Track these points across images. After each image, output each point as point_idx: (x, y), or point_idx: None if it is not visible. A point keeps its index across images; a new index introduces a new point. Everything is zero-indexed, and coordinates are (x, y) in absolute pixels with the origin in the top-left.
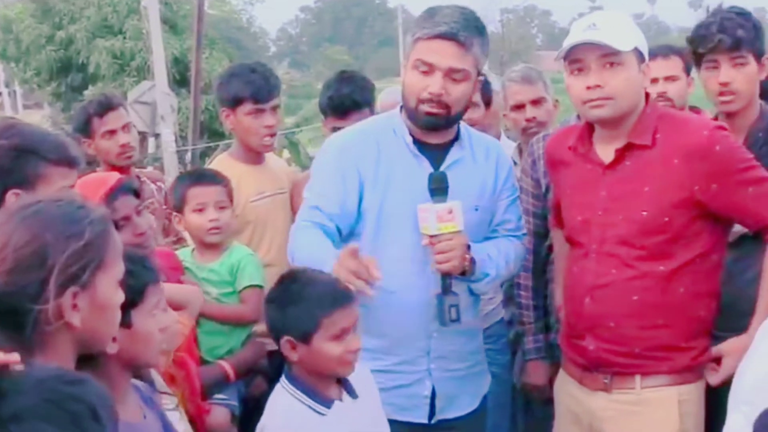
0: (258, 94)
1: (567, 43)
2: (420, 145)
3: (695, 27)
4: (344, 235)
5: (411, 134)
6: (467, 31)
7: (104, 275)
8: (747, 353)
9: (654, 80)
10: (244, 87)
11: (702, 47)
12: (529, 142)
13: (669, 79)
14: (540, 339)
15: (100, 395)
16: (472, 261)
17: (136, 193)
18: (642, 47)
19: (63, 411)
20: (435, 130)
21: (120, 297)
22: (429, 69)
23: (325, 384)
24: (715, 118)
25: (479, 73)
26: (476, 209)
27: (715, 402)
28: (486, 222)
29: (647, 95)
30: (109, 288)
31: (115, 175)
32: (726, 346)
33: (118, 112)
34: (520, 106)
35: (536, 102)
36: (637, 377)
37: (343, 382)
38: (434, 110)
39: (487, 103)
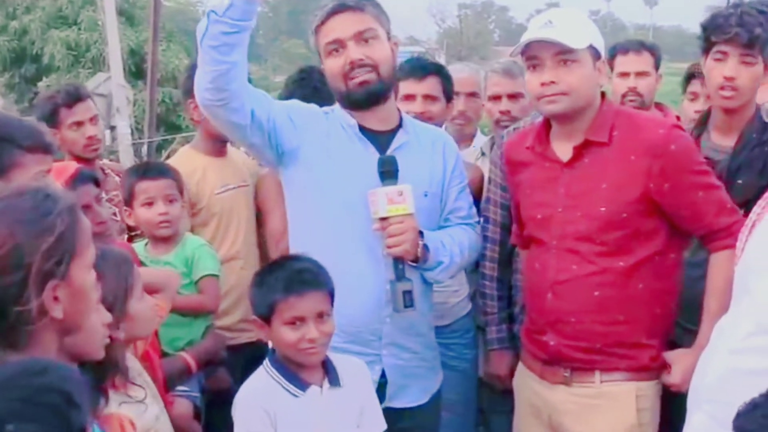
0: None
1: (523, 39)
2: (364, 132)
3: (712, 15)
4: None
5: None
6: None
7: (78, 262)
8: (704, 353)
9: (625, 74)
10: None
11: (715, 36)
12: (499, 134)
13: (640, 74)
14: (503, 329)
15: (70, 378)
16: (426, 248)
17: (96, 182)
18: (598, 44)
19: (39, 406)
20: (372, 102)
21: (93, 276)
22: (339, 44)
23: (306, 369)
24: (709, 111)
25: (390, 36)
26: (426, 195)
27: (674, 402)
28: (436, 210)
29: (603, 94)
30: (84, 273)
31: (74, 164)
32: (674, 354)
33: (87, 104)
34: (496, 98)
35: (513, 96)
36: (597, 372)
37: (327, 370)
38: (365, 77)
39: (448, 98)
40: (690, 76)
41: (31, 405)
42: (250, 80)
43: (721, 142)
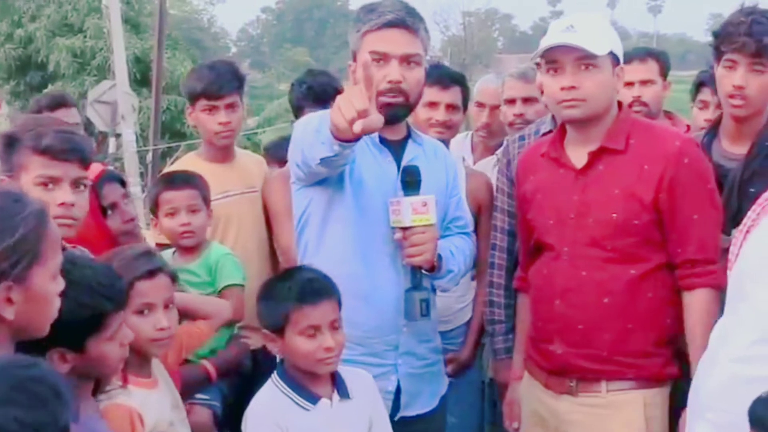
0: (208, 89)
1: (544, 43)
2: (381, 141)
3: (724, 23)
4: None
5: None
6: (412, 17)
7: (40, 269)
8: (704, 359)
9: (629, 84)
10: (198, 83)
11: (724, 45)
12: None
13: (645, 83)
14: (510, 339)
15: (59, 376)
16: (439, 257)
17: (122, 182)
18: (617, 50)
19: (27, 394)
20: (393, 122)
21: (58, 286)
22: (384, 59)
23: (315, 381)
24: (720, 117)
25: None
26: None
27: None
28: (440, 219)
29: (620, 103)
30: (45, 281)
31: (99, 166)
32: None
33: (69, 111)
34: (511, 101)
35: (528, 100)
36: (603, 382)
37: (336, 382)
38: (393, 100)
39: (464, 108)
40: (699, 85)
41: (20, 392)
42: (253, 88)
43: (732, 149)
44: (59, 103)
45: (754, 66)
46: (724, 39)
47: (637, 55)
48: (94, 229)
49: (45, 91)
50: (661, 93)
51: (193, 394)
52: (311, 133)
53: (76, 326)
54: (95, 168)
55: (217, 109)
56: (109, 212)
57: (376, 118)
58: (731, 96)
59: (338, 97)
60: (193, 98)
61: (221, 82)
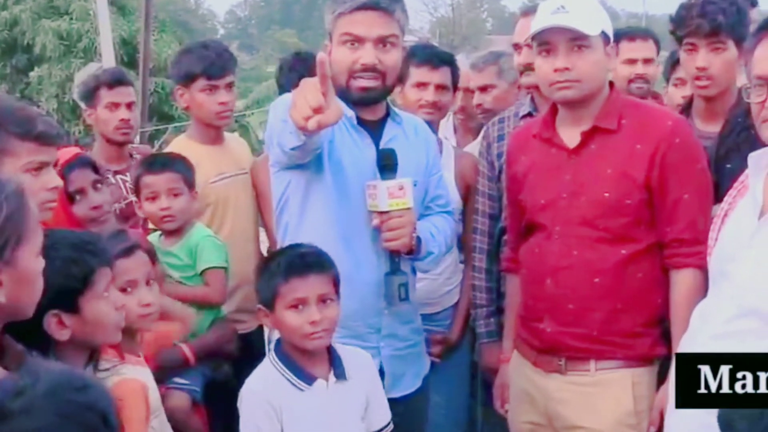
0: (210, 69)
1: (536, 25)
2: (359, 122)
3: (678, 7)
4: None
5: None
6: None
7: (25, 248)
8: (685, 338)
9: (632, 61)
10: (197, 63)
11: (680, 30)
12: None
13: (647, 61)
14: (492, 323)
15: (106, 397)
16: (418, 240)
17: (95, 168)
18: (608, 29)
19: (78, 424)
20: (368, 104)
21: (41, 264)
22: (358, 41)
23: (312, 361)
24: (691, 99)
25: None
26: (415, 184)
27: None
28: (420, 198)
29: (612, 83)
30: (31, 260)
31: (74, 150)
32: (660, 401)
33: (127, 89)
34: (471, 92)
35: (483, 89)
36: (592, 361)
37: (333, 362)
38: (369, 83)
39: (454, 89)
40: (675, 62)
41: (70, 422)
42: (242, 70)
43: (706, 128)
44: (119, 80)
45: (714, 45)
46: (679, 24)
47: (639, 33)
48: (61, 215)
49: (31, 74)
50: (657, 72)
51: (170, 378)
52: (279, 123)
53: (66, 284)
54: (69, 151)
55: (218, 89)
56: (77, 198)
57: (333, 113)
58: (697, 78)
59: (294, 92)
60: (190, 79)
61: (223, 62)
